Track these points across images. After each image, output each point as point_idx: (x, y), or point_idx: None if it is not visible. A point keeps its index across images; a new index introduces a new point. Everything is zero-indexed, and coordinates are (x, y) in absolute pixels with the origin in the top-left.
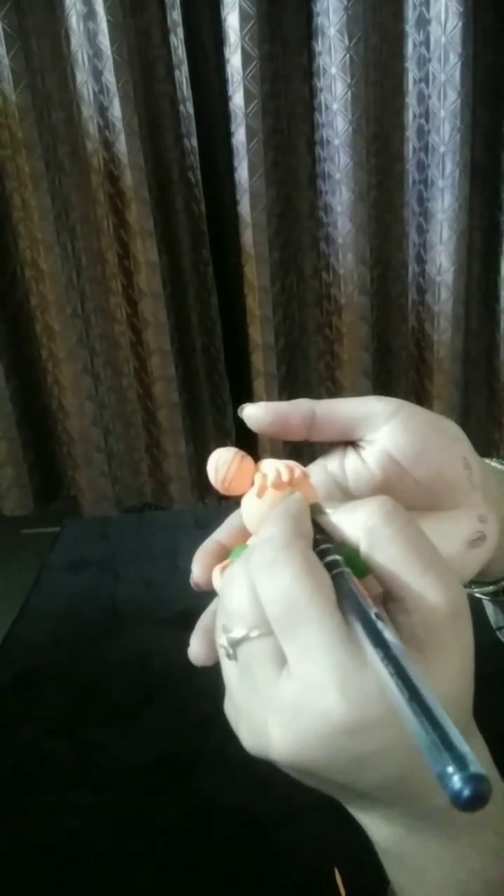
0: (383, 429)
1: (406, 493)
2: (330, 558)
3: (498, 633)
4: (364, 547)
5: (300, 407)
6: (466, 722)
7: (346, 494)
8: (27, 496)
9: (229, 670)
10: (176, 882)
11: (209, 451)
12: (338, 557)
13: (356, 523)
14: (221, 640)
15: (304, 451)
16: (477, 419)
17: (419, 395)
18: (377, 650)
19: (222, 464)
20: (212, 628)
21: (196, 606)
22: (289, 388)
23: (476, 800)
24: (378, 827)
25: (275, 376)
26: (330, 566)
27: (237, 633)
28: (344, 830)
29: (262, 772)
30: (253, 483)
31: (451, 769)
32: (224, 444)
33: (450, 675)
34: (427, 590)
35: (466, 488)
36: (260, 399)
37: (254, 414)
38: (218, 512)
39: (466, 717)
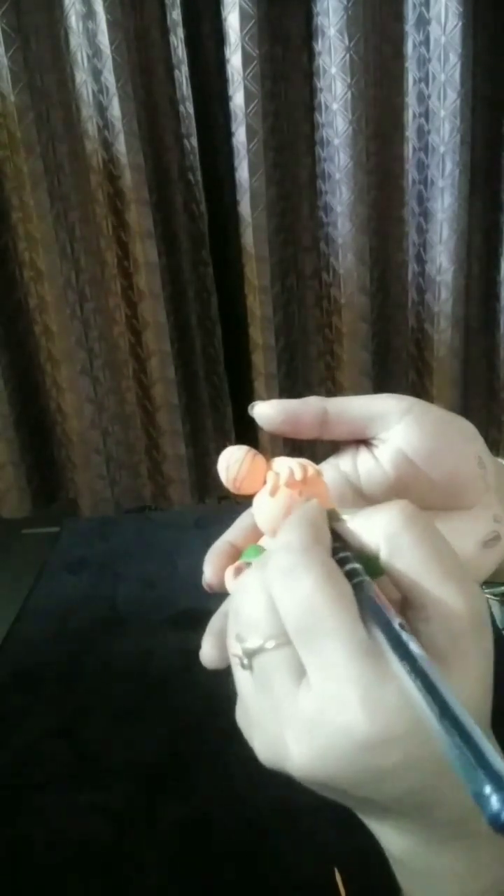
0: (397, 427)
1: (420, 493)
2: (350, 566)
3: None
4: (384, 554)
5: (312, 405)
6: (484, 730)
7: (358, 494)
8: (26, 498)
9: (243, 681)
10: (176, 882)
11: (209, 454)
12: (357, 566)
13: (375, 529)
14: (235, 650)
15: (304, 451)
16: (477, 419)
17: (419, 395)
18: (403, 663)
19: (234, 462)
20: (223, 631)
21: (195, 607)
22: (289, 389)
23: None
24: (392, 837)
25: (275, 376)
26: (350, 575)
27: (252, 643)
28: (344, 831)
29: (262, 772)
30: (265, 482)
31: (488, 789)
32: (224, 446)
33: (471, 684)
34: (448, 597)
35: (481, 488)
36: (261, 399)
37: (265, 412)
38: (218, 512)
39: (485, 726)
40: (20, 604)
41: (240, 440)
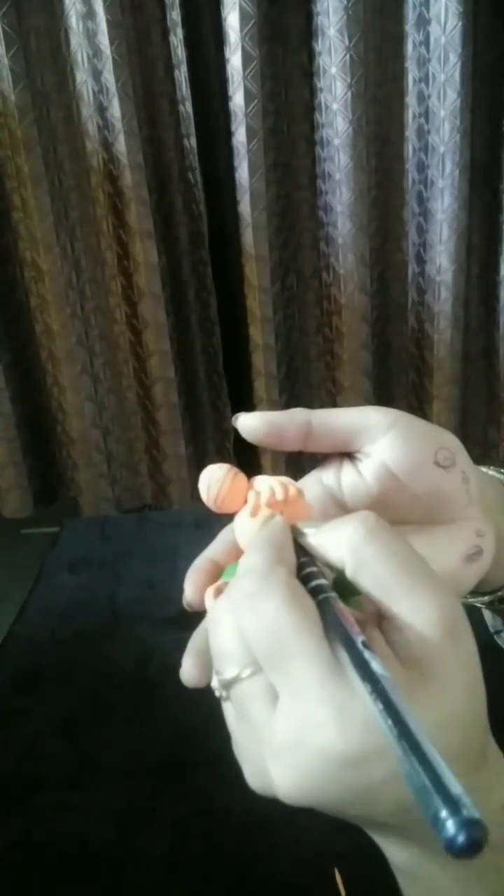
0: (381, 441)
1: (403, 507)
2: (314, 583)
3: (496, 636)
4: (349, 568)
5: (295, 417)
6: (480, 742)
7: (341, 508)
8: (27, 498)
9: (227, 711)
10: (176, 882)
11: (209, 453)
12: (322, 582)
13: (339, 543)
14: (214, 682)
15: (304, 457)
16: (476, 419)
17: (419, 395)
18: (365, 684)
19: (214, 481)
20: (204, 648)
21: None
22: (289, 389)
23: (471, 846)
24: (394, 848)
25: (275, 377)
26: (314, 592)
27: (228, 674)
28: (344, 831)
29: None
30: (246, 500)
31: (443, 814)
32: (223, 446)
33: (452, 695)
34: (418, 606)
35: (464, 502)
36: (260, 400)
37: (248, 424)
38: (218, 512)
39: (479, 737)
40: (20, 604)
41: (239, 440)
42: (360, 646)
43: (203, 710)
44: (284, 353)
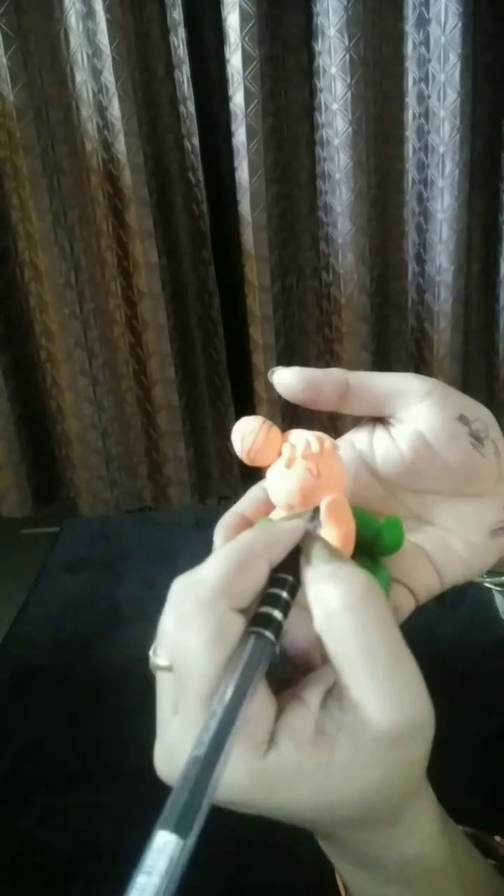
0: (418, 408)
1: (434, 476)
2: (263, 609)
3: None
4: (318, 624)
5: (334, 376)
6: (390, 809)
7: (373, 474)
8: (26, 498)
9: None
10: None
11: (209, 454)
12: (273, 612)
13: (320, 597)
14: (150, 653)
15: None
16: None
17: None
18: (206, 731)
19: (249, 433)
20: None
21: None
22: None
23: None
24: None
25: None
26: (258, 620)
27: (161, 661)
28: None
29: None
30: (280, 454)
31: (167, 830)
32: (224, 448)
33: (358, 788)
34: (372, 702)
35: (494, 477)
36: (260, 399)
37: (286, 380)
38: (218, 513)
39: (388, 808)
40: (20, 604)
41: None
42: (239, 715)
43: None
44: (284, 353)
